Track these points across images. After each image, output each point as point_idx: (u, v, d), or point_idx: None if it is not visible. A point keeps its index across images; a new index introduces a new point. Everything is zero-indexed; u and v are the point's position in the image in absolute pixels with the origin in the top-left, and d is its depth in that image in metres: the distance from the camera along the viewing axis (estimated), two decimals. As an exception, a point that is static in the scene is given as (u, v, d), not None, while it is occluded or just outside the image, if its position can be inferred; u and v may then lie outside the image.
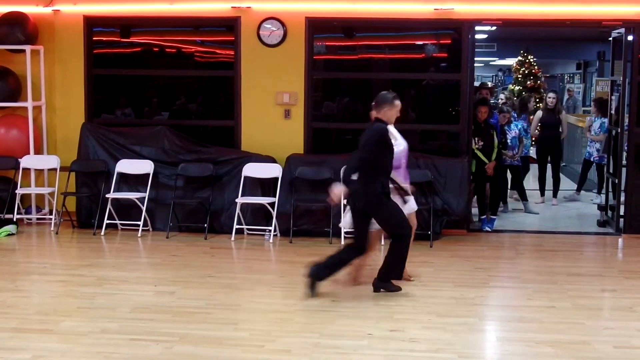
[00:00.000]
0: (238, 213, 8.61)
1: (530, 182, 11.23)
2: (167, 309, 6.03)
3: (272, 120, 9.22)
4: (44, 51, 9.39)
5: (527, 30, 15.02)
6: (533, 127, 11.30)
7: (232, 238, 8.59)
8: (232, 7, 9.16)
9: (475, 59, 9.39)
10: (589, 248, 8.76)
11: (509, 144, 10.18)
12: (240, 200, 8.65)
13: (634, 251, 8.44)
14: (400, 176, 6.64)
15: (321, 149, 9.28)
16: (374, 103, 6.43)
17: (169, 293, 6.51)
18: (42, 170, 9.51)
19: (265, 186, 8.93)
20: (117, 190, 9.02)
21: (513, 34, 17.82)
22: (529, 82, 18.73)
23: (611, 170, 9.81)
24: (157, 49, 10.08)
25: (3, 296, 6.36)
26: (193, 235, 8.74)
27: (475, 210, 9.50)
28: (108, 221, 8.85)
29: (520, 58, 19.15)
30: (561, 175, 11.35)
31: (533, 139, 11.63)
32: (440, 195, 8.66)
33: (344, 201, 7.43)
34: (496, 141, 9.33)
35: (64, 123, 9.55)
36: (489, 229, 9.21)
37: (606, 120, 10.58)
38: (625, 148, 9.20)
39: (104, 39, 9.93)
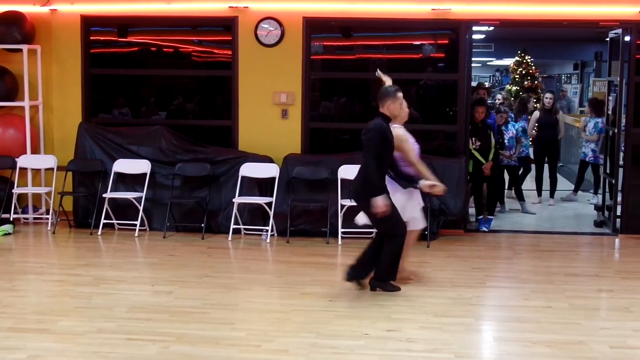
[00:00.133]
0: (235, 213, 8.60)
1: (528, 182, 11.24)
2: (164, 309, 6.02)
3: (269, 120, 9.22)
4: (41, 50, 9.38)
5: (525, 30, 14.99)
6: (530, 127, 11.30)
7: (229, 238, 8.58)
8: (229, 6, 9.16)
9: (473, 59, 9.38)
10: (585, 248, 8.76)
11: (506, 144, 10.19)
12: (237, 200, 8.64)
13: (631, 251, 8.44)
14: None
15: (318, 149, 9.27)
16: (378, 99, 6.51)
17: (166, 293, 6.51)
18: (39, 169, 9.50)
19: (262, 186, 8.93)
20: (114, 190, 9.01)
21: (510, 34, 17.81)
22: (526, 83, 18.72)
23: (608, 171, 9.82)
24: (154, 49, 10.07)
25: None
26: (190, 235, 8.73)
27: (472, 211, 9.50)
28: (105, 221, 8.85)
29: (517, 58, 19.13)
30: (558, 175, 11.35)
31: (531, 139, 11.63)
32: (438, 195, 8.64)
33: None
34: (493, 141, 9.33)
35: (61, 122, 9.54)
36: (486, 229, 9.21)
37: (600, 120, 10.60)
38: (622, 148, 9.21)
39: (101, 38, 9.93)
